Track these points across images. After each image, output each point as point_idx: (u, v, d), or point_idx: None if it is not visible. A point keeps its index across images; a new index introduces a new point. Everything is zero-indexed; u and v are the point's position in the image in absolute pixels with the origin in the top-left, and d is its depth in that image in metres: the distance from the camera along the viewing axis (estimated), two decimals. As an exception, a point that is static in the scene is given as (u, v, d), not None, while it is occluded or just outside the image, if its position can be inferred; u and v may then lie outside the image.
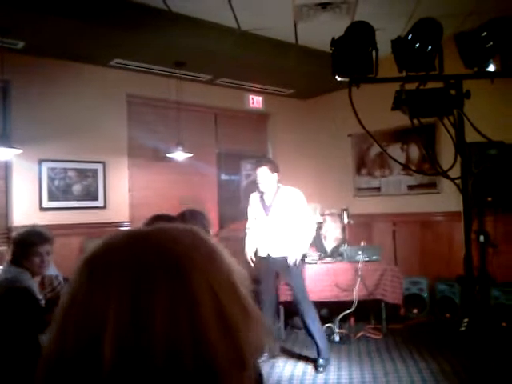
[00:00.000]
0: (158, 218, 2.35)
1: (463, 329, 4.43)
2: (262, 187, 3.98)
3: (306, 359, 4.07)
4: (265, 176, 3.94)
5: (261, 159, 4.13)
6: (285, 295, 4.43)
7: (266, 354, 3.86)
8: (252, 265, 4.06)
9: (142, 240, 0.57)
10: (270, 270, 4.04)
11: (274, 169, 3.97)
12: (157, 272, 0.52)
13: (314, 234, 4.10)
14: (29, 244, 2.56)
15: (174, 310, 0.50)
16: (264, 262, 4.02)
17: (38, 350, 2.20)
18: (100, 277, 0.53)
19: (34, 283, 2.53)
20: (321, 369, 3.80)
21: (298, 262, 3.93)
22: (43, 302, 2.53)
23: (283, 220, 3.95)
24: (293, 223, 3.95)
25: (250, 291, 0.60)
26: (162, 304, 0.50)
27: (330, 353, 3.98)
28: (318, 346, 3.86)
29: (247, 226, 4.25)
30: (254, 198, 4.15)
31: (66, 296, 0.55)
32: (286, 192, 4.00)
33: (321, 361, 3.84)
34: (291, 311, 4.51)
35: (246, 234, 4.25)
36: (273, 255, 3.97)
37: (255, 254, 4.11)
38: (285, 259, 3.91)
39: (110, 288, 0.51)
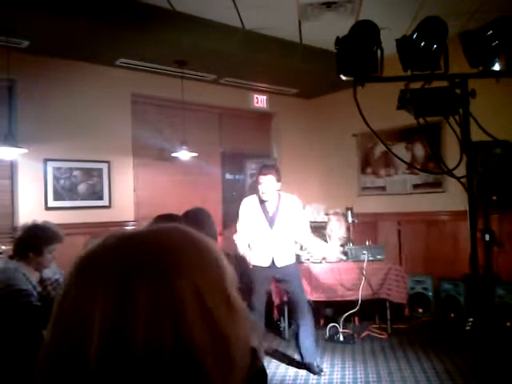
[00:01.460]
0: (162, 218, 2.35)
1: (468, 328, 4.43)
2: (266, 196, 3.78)
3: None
4: (271, 185, 3.77)
5: (267, 166, 3.92)
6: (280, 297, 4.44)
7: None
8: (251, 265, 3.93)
9: (130, 241, 0.58)
10: (268, 278, 3.92)
11: (279, 178, 3.81)
12: (141, 272, 0.52)
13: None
14: (47, 238, 2.53)
15: (156, 310, 0.50)
16: (262, 271, 3.84)
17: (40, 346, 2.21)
18: (87, 278, 0.54)
19: (30, 275, 2.50)
20: (319, 371, 3.78)
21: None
22: (39, 292, 2.50)
23: (287, 229, 3.85)
24: (294, 231, 3.88)
25: (238, 291, 0.60)
26: (145, 304, 0.50)
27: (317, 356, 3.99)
28: (306, 350, 3.80)
29: (237, 230, 3.99)
30: (251, 203, 3.91)
31: (59, 296, 0.56)
32: (288, 200, 3.89)
33: (315, 364, 3.81)
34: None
35: (235, 238, 4.00)
36: (278, 264, 3.83)
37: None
38: (289, 267, 3.84)
39: (95, 289, 0.52)
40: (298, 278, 3.96)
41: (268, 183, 3.76)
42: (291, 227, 3.86)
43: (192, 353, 0.51)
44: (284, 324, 4.72)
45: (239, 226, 3.98)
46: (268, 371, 3.70)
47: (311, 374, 3.76)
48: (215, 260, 0.59)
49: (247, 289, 3.80)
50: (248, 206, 3.93)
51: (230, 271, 0.61)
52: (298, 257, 4.35)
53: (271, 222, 3.83)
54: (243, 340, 0.57)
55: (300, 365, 3.91)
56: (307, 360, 3.81)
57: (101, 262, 0.55)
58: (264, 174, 3.78)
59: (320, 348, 4.28)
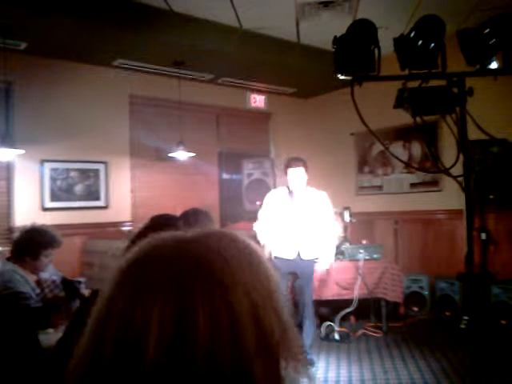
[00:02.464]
0: (160, 218, 2.35)
1: (463, 326, 4.45)
2: (294, 187, 3.84)
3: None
4: (300, 176, 3.83)
5: (296, 159, 3.93)
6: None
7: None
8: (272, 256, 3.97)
9: (186, 250, 0.56)
10: (289, 272, 3.92)
11: (307, 170, 3.88)
12: (200, 284, 0.52)
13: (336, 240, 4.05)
14: (44, 243, 2.54)
15: (215, 324, 0.50)
16: (286, 263, 3.83)
17: (38, 349, 2.20)
18: (140, 288, 0.52)
19: (28, 278, 2.50)
20: (311, 365, 3.79)
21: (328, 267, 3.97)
22: (37, 293, 2.50)
23: (314, 222, 3.87)
24: (320, 226, 3.90)
25: (285, 299, 0.59)
26: (205, 317, 0.50)
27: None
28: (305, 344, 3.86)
29: (259, 222, 4.02)
30: (279, 194, 3.96)
31: (102, 303, 0.54)
32: (317, 195, 3.93)
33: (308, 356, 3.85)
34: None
35: (257, 231, 4.04)
36: (304, 257, 3.83)
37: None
38: (312, 261, 3.87)
39: (151, 302, 0.51)
40: (311, 275, 3.95)
41: (298, 175, 3.83)
42: (318, 221, 3.89)
43: (248, 371, 0.50)
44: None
45: (262, 214, 4.02)
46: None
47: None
48: (265, 271, 0.58)
49: None
50: (276, 197, 3.98)
51: (276, 278, 0.59)
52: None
53: (299, 214, 3.85)
54: (288, 350, 0.56)
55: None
56: (309, 342, 3.91)
57: (154, 274, 0.53)
58: (294, 166, 3.84)
59: (316, 346, 4.28)
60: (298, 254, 3.84)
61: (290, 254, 3.86)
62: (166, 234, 0.59)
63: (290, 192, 3.90)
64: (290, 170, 3.85)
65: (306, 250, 3.85)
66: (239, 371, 0.50)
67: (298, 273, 3.92)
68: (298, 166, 3.84)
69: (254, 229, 4.08)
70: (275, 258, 3.89)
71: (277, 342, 0.54)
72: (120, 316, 0.51)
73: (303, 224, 3.85)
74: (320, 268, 3.99)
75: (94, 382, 0.51)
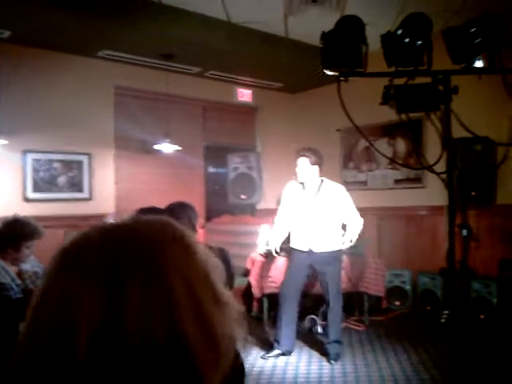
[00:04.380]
0: (145, 211, 2.34)
1: (443, 321, 4.53)
2: (299, 178, 3.83)
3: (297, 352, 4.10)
4: (303, 167, 3.78)
5: (302, 149, 3.87)
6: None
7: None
8: (276, 256, 3.98)
9: (116, 235, 0.57)
10: (305, 264, 3.86)
11: (315, 161, 3.79)
12: (131, 268, 0.52)
13: (361, 228, 3.98)
14: (26, 235, 2.51)
15: (148, 305, 0.51)
16: (301, 256, 3.84)
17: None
18: (74, 272, 0.53)
19: (8, 269, 2.48)
20: (332, 361, 3.78)
21: (345, 247, 3.90)
22: (18, 284, 2.48)
23: (328, 215, 3.82)
24: (337, 219, 3.86)
25: (223, 279, 0.61)
26: (136, 299, 0.51)
27: (342, 342, 3.99)
28: (331, 345, 3.85)
29: (277, 217, 4.03)
30: (292, 187, 3.94)
31: (39, 290, 0.55)
32: (331, 186, 3.89)
33: (331, 350, 3.84)
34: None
35: (274, 224, 4.07)
36: (315, 250, 3.80)
37: (288, 246, 3.97)
38: (326, 254, 3.81)
39: (83, 284, 0.51)
40: (335, 270, 3.86)
41: (301, 165, 3.80)
42: (333, 214, 3.84)
43: (184, 345, 0.51)
44: (265, 317, 4.73)
45: (280, 209, 4.01)
46: (246, 364, 3.72)
47: (289, 366, 3.79)
48: (202, 254, 0.60)
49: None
50: (289, 189, 3.96)
51: (217, 265, 0.61)
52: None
53: (310, 206, 3.83)
54: (229, 336, 0.58)
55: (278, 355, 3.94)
56: (329, 351, 3.85)
57: (87, 257, 0.54)
58: (298, 157, 3.81)
59: (299, 340, 4.31)
60: (310, 247, 3.83)
61: (303, 246, 3.85)
62: (97, 224, 0.60)
63: (302, 184, 3.88)
64: (297, 161, 3.82)
65: (317, 242, 3.81)
66: (173, 341, 0.51)
67: (314, 266, 3.86)
68: (301, 157, 3.80)
69: (274, 222, 4.07)
70: (292, 249, 3.91)
71: (215, 321, 0.55)
72: (52, 302, 0.53)
73: (315, 217, 3.81)
74: (341, 243, 3.88)
75: (30, 368, 0.51)
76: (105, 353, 0.49)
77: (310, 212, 3.83)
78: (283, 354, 3.94)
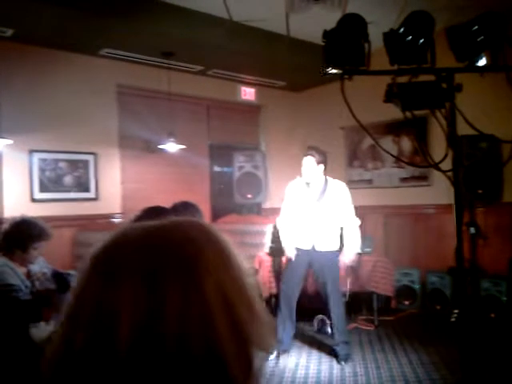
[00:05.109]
0: (151, 210, 2.34)
1: (453, 320, 4.50)
2: (305, 177, 3.85)
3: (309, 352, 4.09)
4: (310, 166, 3.80)
5: (309, 148, 3.90)
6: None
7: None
8: (293, 259, 3.87)
9: (155, 235, 0.57)
10: (305, 262, 3.86)
11: (320, 160, 3.82)
12: (169, 268, 0.53)
13: (358, 231, 3.96)
14: (33, 236, 2.52)
15: (186, 307, 0.51)
16: (301, 254, 3.84)
17: (29, 342, 2.19)
18: (112, 274, 0.53)
19: (17, 271, 2.50)
20: (342, 362, 3.76)
21: (351, 261, 3.90)
22: (30, 287, 2.49)
23: (331, 213, 3.83)
24: (339, 218, 3.86)
25: (256, 287, 0.61)
26: (174, 304, 0.51)
27: (350, 342, 3.97)
28: (338, 345, 3.83)
29: (281, 217, 4.03)
30: (296, 185, 3.96)
31: (75, 292, 0.55)
32: (335, 185, 3.90)
33: (339, 351, 3.81)
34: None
35: (278, 226, 4.06)
36: (318, 249, 3.81)
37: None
38: (328, 253, 3.81)
39: (122, 286, 0.52)
40: (335, 269, 3.85)
41: (307, 164, 3.81)
42: (336, 213, 3.85)
43: (218, 352, 0.52)
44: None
45: (283, 207, 4.02)
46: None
47: (299, 367, 3.78)
48: (236, 259, 0.59)
49: None
50: (293, 187, 3.98)
51: (249, 271, 0.61)
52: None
53: (314, 204, 3.84)
54: (259, 337, 0.57)
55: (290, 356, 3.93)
56: (338, 352, 3.83)
57: (126, 256, 0.54)
58: (304, 155, 3.84)
59: (308, 340, 4.30)
60: (313, 245, 3.82)
61: (305, 245, 3.85)
62: (136, 223, 0.60)
63: (306, 182, 3.89)
64: (303, 160, 3.84)
65: (320, 241, 3.81)
66: (208, 348, 0.51)
67: (315, 264, 3.85)
68: (307, 156, 3.82)
69: (276, 222, 4.08)
70: (294, 247, 3.90)
71: (247, 328, 0.55)
72: (92, 302, 0.52)
73: (318, 215, 3.82)
74: (344, 260, 3.87)
75: (67, 368, 0.51)
76: (143, 356, 0.49)
77: (315, 210, 3.83)
78: (280, 354, 3.92)
